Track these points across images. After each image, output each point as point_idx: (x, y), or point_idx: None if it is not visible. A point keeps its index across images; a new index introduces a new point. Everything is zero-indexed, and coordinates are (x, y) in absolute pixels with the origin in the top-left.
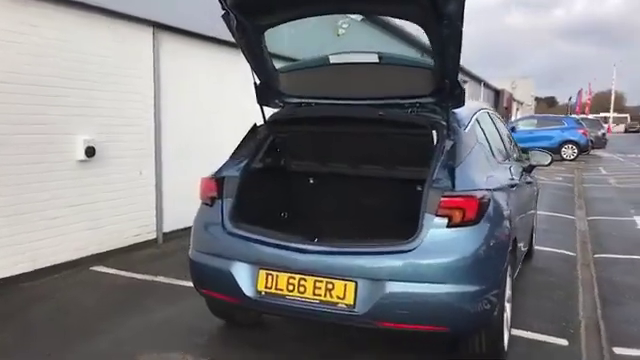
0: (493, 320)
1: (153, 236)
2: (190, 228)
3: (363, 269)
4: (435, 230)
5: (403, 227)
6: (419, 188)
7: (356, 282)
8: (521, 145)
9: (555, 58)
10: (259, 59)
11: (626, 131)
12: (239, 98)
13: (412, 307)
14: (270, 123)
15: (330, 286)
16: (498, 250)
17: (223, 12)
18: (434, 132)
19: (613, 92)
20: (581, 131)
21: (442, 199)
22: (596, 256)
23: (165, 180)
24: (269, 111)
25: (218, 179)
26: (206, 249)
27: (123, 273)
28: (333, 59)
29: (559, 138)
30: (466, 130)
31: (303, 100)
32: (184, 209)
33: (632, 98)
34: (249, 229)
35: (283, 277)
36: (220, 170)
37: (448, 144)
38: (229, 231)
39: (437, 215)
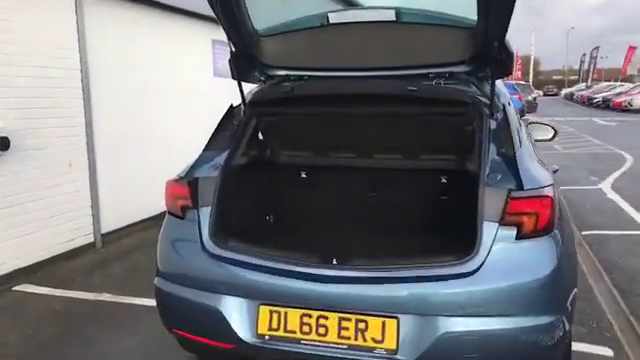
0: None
1: (91, 239)
2: (136, 224)
3: (407, 301)
4: (501, 244)
5: (438, 236)
6: (444, 180)
7: (398, 319)
8: None
9: None
10: (235, 18)
11: (545, 94)
12: (197, 76)
13: (477, 351)
14: (253, 104)
15: (362, 325)
16: (571, 264)
17: None
18: (476, 111)
19: (532, 58)
20: (517, 96)
21: (511, 202)
22: (584, 233)
23: (102, 172)
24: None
25: (191, 182)
26: (180, 278)
27: (57, 292)
28: (333, 18)
29: None
30: (510, 107)
31: (293, 73)
32: (127, 203)
33: (545, 63)
34: (240, 249)
35: (295, 315)
36: (192, 169)
37: (496, 126)
38: (212, 253)
39: (502, 223)
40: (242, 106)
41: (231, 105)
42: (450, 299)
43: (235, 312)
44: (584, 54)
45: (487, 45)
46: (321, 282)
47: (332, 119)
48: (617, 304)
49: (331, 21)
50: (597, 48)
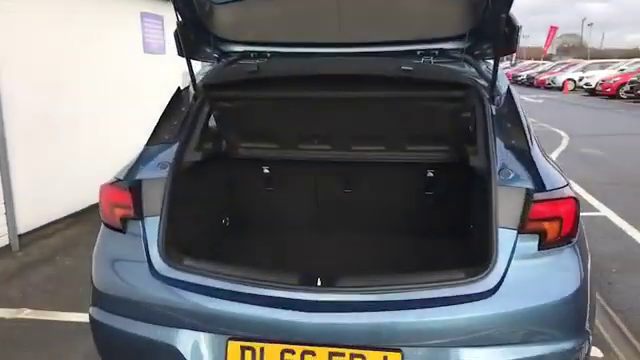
0: None
1: (5, 242)
2: (60, 221)
3: (412, 330)
4: (521, 256)
5: (434, 244)
6: (430, 174)
7: (402, 352)
8: None
9: None
10: None
11: None
12: (127, 54)
13: None
14: (208, 87)
15: None
16: (589, 275)
17: None
18: (477, 95)
19: None
20: None
21: (534, 205)
22: None
23: (15, 163)
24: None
25: (132, 186)
26: (122, 308)
27: None
28: None
29: None
30: (515, 91)
31: (254, 48)
32: (49, 198)
33: None
34: (199, 269)
35: (273, 351)
36: (133, 169)
37: (500, 113)
38: (163, 276)
39: (522, 231)
40: (192, 89)
41: (178, 88)
42: (464, 326)
43: (196, 350)
44: None
45: (491, 17)
46: (305, 310)
47: (303, 104)
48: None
49: None
50: (520, 27)
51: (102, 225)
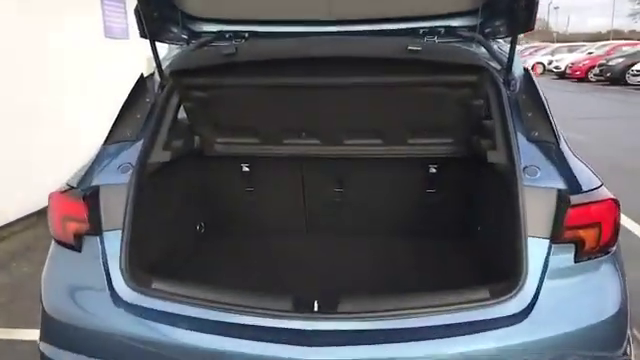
0: None
1: None
2: (14, 224)
3: None
4: (557, 270)
5: (444, 252)
6: (433, 170)
7: None
8: None
9: None
10: None
11: None
12: (86, 38)
13: None
14: (175, 74)
15: None
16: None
17: None
18: (491, 80)
19: None
20: None
21: (570, 210)
22: None
23: None
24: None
25: (88, 195)
26: (78, 344)
27: None
28: None
29: None
30: (532, 75)
31: (229, 28)
32: (3, 196)
33: None
34: (171, 293)
35: None
36: (88, 173)
37: (519, 101)
38: (127, 302)
39: (557, 241)
40: (158, 77)
41: (141, 75)
42: (493, 357)
43: None
44: None
45: None
46: (302, 344)
47: (289, 93)
48: None
49: None
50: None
51: (53, 241)
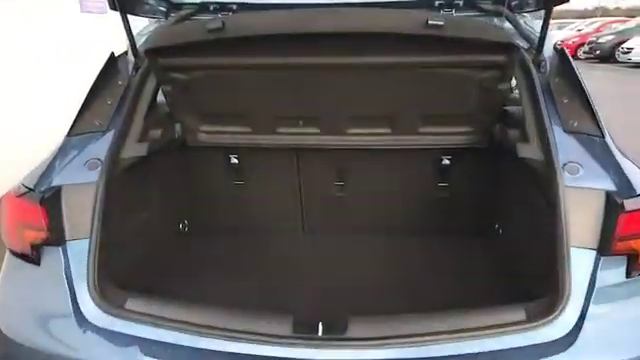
0: None
1: None
2: None
3: None
4: (606, 287)
5: (461, 258)
6: (447, 162)
7: None
8: None
9: None
10: None
11: None
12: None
13: None
14: (152, 52)
15: None
16: None
17: None
18: (521, 61)
19: None
20: None
21: (623, 217)
22: None
23: None
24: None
25: (47, 198)
26: None
27: None
28: None
29: None
30: (568, 56)
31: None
32: None
33: None
34: (149, 315)
35: None
36: (48, 172)
37: (552, 85)
38: (97, 326)
39: (606, 253)
40: (132, 56)
41: (111, 54)
42: None
43: None
44: None
45: None
46: None
47: (285, 75)
48: None
49: None
50: None
51: (7, 252)
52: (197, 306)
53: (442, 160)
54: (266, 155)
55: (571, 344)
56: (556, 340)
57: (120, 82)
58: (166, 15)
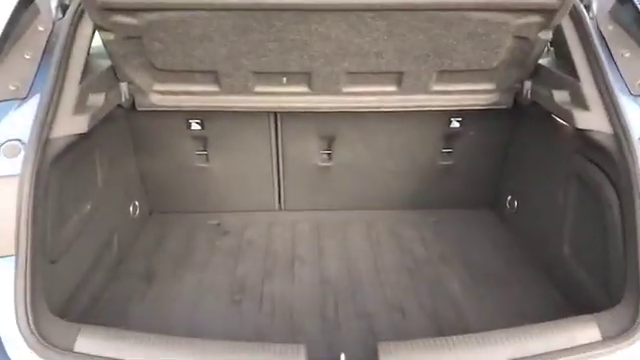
0: None
1: None
2: None
3: None
4: None
5: (461, 227)
6: (456, 124)
7: None
8: None
9: None
10: None
11: None
12: None
13: None
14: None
15: None
16: None
17: None
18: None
19: None
20: None
21: None
22: None
23: None
24: None
25: None
26: None
27: None
28: None
29: None
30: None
31: None
32: None
33: None
34: (111, 350)
35: None
36: None
37: (613, 34)
38: None
39: None
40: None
41: None
42: None
43: None
44: None
45: None
46: None
47: (264, 18)
48: None
49: None
50: None
51: None
52: (170, 338)
53: (451, 123)
54: (237, 120)
55: None
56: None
57: (41, 27)
58: None
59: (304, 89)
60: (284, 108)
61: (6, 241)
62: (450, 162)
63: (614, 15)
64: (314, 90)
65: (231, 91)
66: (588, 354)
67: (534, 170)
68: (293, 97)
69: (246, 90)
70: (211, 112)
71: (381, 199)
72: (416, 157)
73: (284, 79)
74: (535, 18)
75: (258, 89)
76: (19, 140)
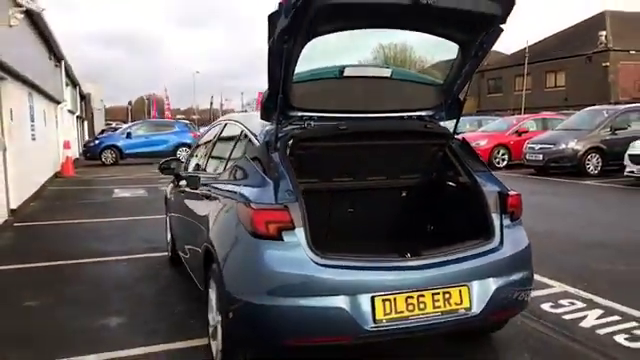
0: None
1: None
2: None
3: (473, 272)
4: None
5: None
6: (404, 193)
7: (468, 285)
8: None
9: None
10: (289, 67)
11: None
12: None
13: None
14: (297, 139)
15: (447, 295)
16: None
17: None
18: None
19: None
20: (192, 134)
21: (507, 198)
22: None
23: None
24: None
25: (286, 206)
26: (290, 290)
27: None
28: (348, 71)
29: (174, 142)
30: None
31: (312, 114)
32: None
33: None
34: (341, 257)
35: (401, 299)
36: (276, 194)
37: (461, 152)
38: (321, 263)
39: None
40: (275, 142)
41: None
42: (493, 265)
43: (355, 307)
44: (212, 96)
45: (447, 97)
46: (411, 270)
47: (344, 151)
48: None
49: (346, 74)
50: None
51: (251, 238)
52: (353, 249)
53: (402, 192)
54: (328, 193)
55: (500, 247)
56: (493, 248)
57: (280, 152)
58: (281, 122)
59: (352, 179)
60: (341, 187)
61: (304, 219)
62: (408, 209)
63: (460, 145)
64: (355, 179)
65: (324, 180)
66: (480, 243)
67: (442, 208)
68: (347, 183)
69: (329, 180)
70: (312, 191)
71: (378, 230)
72: (395, 208)
73: (345, 175)
74: (440, 147)
75: (335, 179)
76: (290, 190)
